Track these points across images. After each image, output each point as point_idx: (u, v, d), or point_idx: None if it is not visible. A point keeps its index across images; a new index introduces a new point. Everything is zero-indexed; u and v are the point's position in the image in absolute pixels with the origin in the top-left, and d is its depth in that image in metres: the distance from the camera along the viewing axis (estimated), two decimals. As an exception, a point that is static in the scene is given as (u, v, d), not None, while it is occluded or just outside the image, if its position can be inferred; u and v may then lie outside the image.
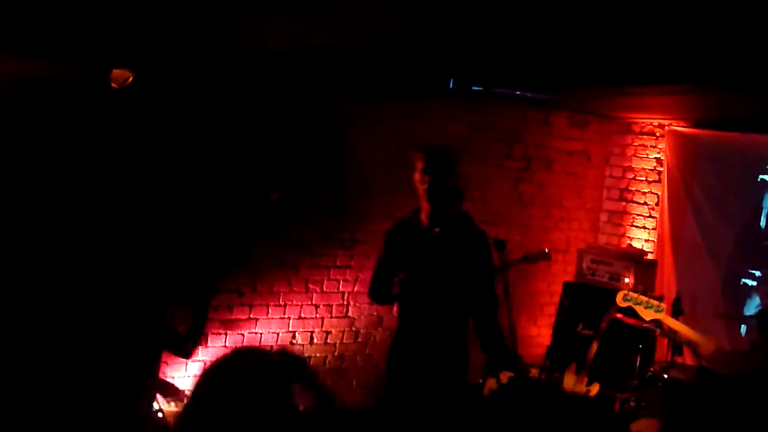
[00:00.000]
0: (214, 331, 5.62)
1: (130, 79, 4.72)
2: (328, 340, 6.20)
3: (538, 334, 7.13)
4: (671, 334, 4.99)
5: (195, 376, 4.62)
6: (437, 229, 4.26)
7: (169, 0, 2.80)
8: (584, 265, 6.70)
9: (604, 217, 7.49)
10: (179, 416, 1.82)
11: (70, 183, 5.01)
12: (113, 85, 4.74)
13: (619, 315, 4.95)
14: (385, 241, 4.52)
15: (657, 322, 4.74)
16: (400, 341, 4.43)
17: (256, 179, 5.62)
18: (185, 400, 1.99)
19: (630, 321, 4.95)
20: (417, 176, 4.24)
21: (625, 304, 4.70)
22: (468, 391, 4.52)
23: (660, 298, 4.82)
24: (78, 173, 5.02)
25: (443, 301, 4.25)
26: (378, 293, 4.59)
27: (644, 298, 4.65)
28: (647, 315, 4.63)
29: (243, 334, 5.77)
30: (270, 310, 5.89)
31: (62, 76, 4.91)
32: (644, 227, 7.19)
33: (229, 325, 5.69)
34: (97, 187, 5.07)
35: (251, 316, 5.80)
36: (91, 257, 4.93)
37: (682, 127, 6.89)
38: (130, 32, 3.50)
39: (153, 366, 4.38)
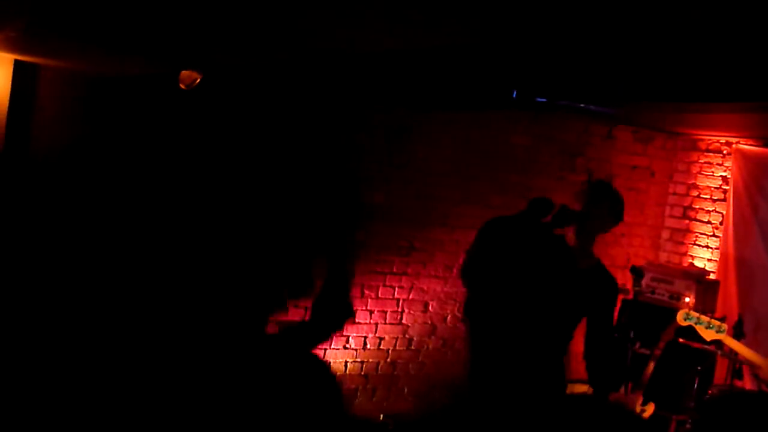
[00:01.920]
0: (270, 331, 5.67)
1: (198, 80, 4.81)
2: (381, 346, 6.21)
3: (594, 350, 7.03)
4: (732, 356, 4.87)
5: None
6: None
7: (241, 2, 2.85)
8: (644, 282, 6.58)
9: (665, 234, 7.36)
10: None
11: (139, 180, 5.12)
12: (181, 86, 4.83)
13: (681, 339, 4.85)
14: (486, 233, 4.08)
15: (718, 343, 4.64)
16: (497, 361, 4.03)
17: (319, 185, 5.68)
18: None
19: (692, 344, 4.85)
20: (578, 206, 3.97)
21: (685, 323, 4.61)
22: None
23: (722, 319, 4.71)
24: (146, 171, 5.13)
25: (556, 324, 3.96)
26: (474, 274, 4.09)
27: (705, 318, 4.55)
28: (708, 335, 4.53)
29: (297, 337, 5.82)
30: (325, 314, 5.93)
31: (134, 75, 5.02)
32: (707, 246, 7.04)
33: (284, 326, 5.75)
34: (164, 186, 5.17)
35: (306, 318, 5.84)
36: (161, 254, 5.03)
37: (751, 145, 6.73)
38: (203, 33, 3.56)
39: None
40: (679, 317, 4.63)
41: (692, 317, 4.58)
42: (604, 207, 4.00)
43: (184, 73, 4.83)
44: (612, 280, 4.05)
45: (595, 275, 3.99)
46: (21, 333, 4.27)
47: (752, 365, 4.54)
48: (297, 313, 5.80)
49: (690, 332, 4.74)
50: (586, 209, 3.97)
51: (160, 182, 5.18)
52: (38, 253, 4.85)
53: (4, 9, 3.51)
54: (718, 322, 4.53)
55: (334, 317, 4.26)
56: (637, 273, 4.66)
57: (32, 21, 3.69)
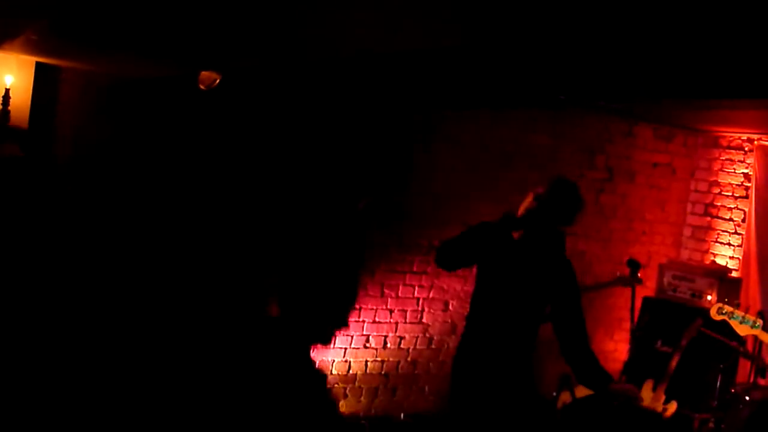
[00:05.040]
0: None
1: (217, 81, 4.83)
2: (402, 346, 6.21)
3: (615, 349, 7.00)
4: (756, 355, 4.83)
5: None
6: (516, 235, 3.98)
7: (262, 4, 2.86)
8: (665, 280, 6.55)
9: (687, 232, 7.31)
10: None
11: (159, 178, 5.15)
12: (200, 86, 4.85)
13: (705, 329, 4.81)
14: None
15: (741, 341, 4.60)
16: (467, 351, 4.18)
17: (341, 187, 5.68)
18: None
19: (715, 335, 4.80)
20: (528, 199, 3.93)
21: (719, 318, 4.53)
22: (539, 405, 4.33)
23: (760, 314, 4.64)
24: (165, 169, 5.16)
25: (515, 315, 4.00)
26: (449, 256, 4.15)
27: (740, 312, 4.48)
28: (742, 330, 4.46)
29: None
30: (345, 313, 5.93)
31: (155, 77, 5.05)
32: (729, 244, 6.99)
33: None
34: (182, 184, 5.20)
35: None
36: (177, 251, 5.06)
37: (773, 142, 6.68)
38: (222, 34, 3.58)
39: None
40: (713, 312, 4.55)
41: (726, 311, 4.51)
42: (557, 208, 3.91)
43: (204, 73, 4.86)
44: (568, 266, 3.99)
45: (551, 265, 3.97)
46: (63, 326, 4.32)
47: None
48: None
49: (715, 328, 4.69)
50: (538, 207, 3.89)
51: (181, 181, 5.21)
52: (64, 250, 4.90)
53: (24, 12, 3.55)
54: (753, 317, 4.46)
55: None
56: (634, 266, 4.60)
57: (52, 24, 3.72)
